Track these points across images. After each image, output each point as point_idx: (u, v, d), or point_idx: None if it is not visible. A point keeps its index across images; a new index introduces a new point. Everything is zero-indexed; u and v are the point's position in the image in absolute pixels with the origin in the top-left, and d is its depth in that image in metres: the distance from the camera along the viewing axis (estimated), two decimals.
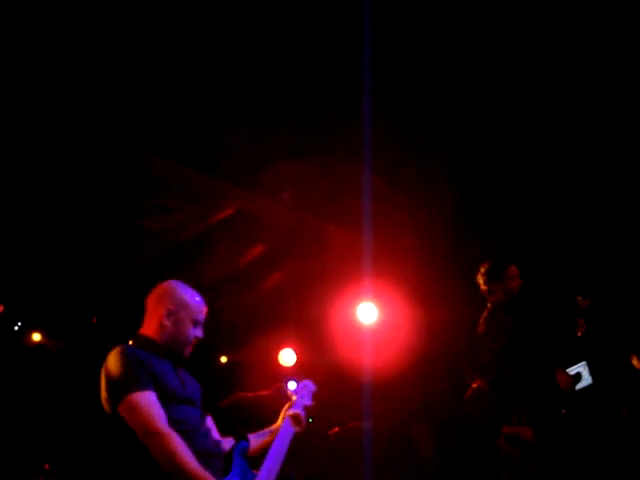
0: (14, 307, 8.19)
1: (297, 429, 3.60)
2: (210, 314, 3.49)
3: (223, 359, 9.85)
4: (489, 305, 5.00)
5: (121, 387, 3.07)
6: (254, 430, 3.67)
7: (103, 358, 3.25)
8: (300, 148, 6.15)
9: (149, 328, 3.36)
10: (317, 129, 5.92)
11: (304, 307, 8.36)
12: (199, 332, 3.42)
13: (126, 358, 3.13)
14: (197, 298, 3.45)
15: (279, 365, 9.04)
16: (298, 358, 9.10)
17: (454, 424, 6.33)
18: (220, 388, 5.70)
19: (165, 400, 3.11)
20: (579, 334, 4.88)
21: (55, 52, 5.01)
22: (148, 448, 2.96)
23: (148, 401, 3.04)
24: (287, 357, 9.07)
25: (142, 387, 3.05)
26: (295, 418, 3.62)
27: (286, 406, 3.75)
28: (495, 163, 6.55)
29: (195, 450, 3.02)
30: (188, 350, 3.40)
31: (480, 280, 5.07)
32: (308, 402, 3.86)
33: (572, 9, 5.02)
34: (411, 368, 7.65)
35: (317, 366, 8.82)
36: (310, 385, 3.99)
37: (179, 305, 3.38)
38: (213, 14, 4.96)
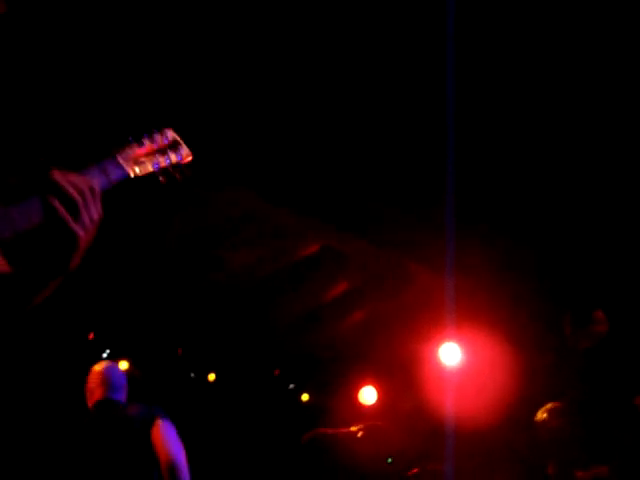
0: (104, 335, 8.40)
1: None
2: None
3: (305, 397, 9.82)
4: (576, 354, 4.89)
5: None
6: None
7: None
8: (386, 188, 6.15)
9: None
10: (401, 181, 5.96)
11: (386, 345, 8.30)
12: None
13: None
14: None
15: (360, 403, 8.98)
16: (379, 397, 9.02)
17: (536, 471, 6.15)
18: (301, 426, 5.70)
19: None
20: None
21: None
22: None
23: None
24: (368, 395, 9.01)
25: None
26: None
27: None
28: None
29: None
30: None
31: (566, 328, 4.97)
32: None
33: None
34: (494, 412, 7.49)
35: (398, 405, 8.73)
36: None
37: None
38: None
